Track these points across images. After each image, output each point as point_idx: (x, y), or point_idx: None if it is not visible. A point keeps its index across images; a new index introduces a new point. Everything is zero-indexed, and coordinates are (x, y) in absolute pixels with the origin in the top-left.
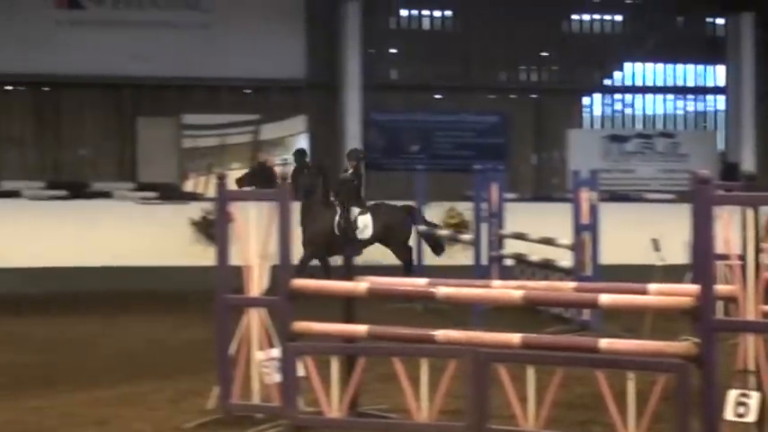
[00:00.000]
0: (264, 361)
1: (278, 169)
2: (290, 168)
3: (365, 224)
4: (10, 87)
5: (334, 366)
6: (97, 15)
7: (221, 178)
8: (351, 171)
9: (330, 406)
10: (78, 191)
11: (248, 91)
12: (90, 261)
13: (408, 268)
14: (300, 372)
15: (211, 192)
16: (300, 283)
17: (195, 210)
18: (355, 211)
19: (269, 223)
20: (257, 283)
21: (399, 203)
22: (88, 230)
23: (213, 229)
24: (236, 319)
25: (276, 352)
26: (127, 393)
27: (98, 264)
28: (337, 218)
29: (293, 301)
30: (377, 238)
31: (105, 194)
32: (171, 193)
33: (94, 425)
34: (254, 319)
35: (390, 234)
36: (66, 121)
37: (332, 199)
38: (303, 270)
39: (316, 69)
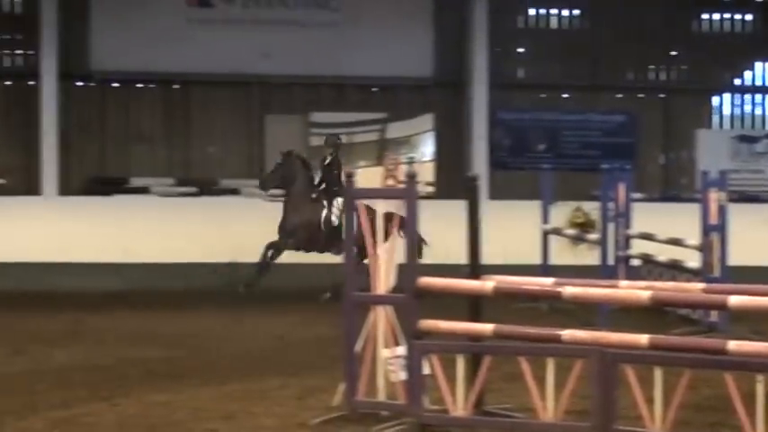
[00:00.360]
0: (390, 359)
1: (403, 168)
2: (413, 167)
3: None
4: (141, 85)
5: (460, 365)
6: (227, 14)
7: (350, 176)
8: (329, 159)
9: (455, 404)
10: (206, 188)
11: (375, 89)
12: (217, 257)
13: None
14: (426, 370)
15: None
16: (427, 281)
17: None
18: (340, 202)
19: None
20: (384, 281)
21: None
22: (216, 227)
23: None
24: (362, 317)
25: (402, 350)
26: (254, 389)
27: (225, 260)
28: (325, 212)
29: (419, 299)
30: None
31: (233, 191)
32: None
33: (221, 419)
34: (381, 317)
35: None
36: (195, 119)
37: (316, 190)
38: (273, 258)
39: (443, 68)
